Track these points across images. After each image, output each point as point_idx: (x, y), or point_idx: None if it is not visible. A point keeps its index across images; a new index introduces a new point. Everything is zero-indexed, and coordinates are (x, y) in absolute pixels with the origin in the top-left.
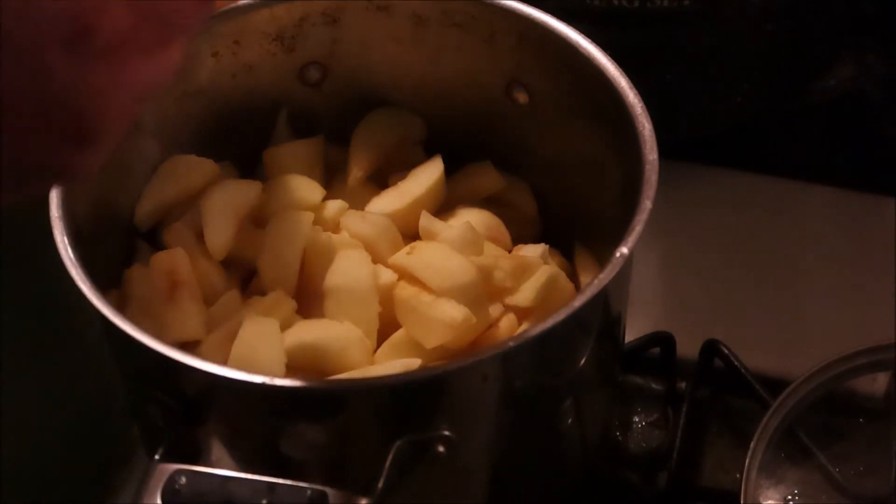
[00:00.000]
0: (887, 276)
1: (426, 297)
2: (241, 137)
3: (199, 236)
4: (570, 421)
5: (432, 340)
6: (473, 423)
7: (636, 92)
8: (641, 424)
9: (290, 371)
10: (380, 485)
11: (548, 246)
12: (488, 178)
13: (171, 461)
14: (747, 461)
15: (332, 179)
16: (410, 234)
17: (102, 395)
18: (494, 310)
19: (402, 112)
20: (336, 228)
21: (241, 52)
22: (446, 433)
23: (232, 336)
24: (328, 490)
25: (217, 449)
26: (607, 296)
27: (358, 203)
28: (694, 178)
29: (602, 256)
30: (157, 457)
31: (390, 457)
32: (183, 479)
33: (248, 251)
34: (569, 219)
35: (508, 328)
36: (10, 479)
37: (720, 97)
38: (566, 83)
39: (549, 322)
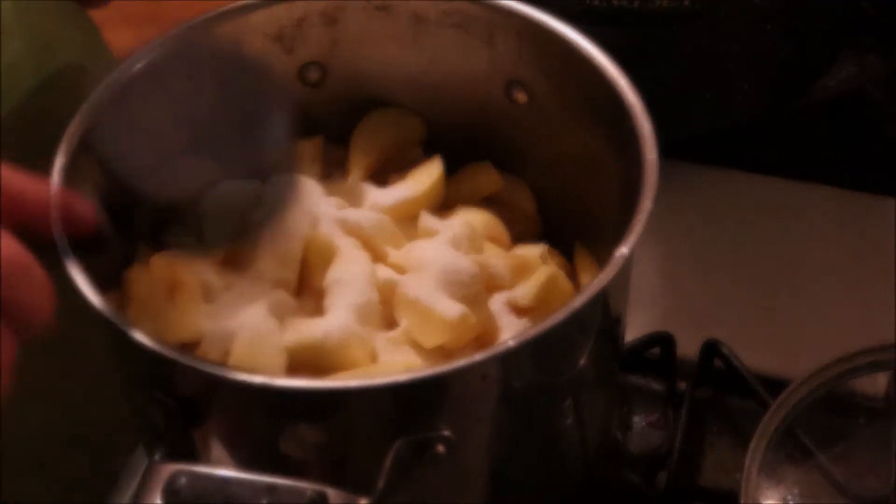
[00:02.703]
0: (887, 276)
1: (426, 297)
2: None
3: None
4: (570, 421)
5: (432, 340)
6: (473, 423)
7: (636, 92)
8: (641, 424)
9: (290, 371)
10: (380, 485)
11: (548, 246)
12: (488, 177)
13: (171, 461)
14: (747, 461)
15: (331, 179)
16: (410, 234)
17: (102, 395)
18: (494, 309)
19: (401, 112)
20: (336, 228)
21: None
22: (446, 433)
23: (232, 336)
24: (328, 490)
25: (217, 449)
26: (607, 296)
27: (357, 203)
28: (694, 178)
29: (602, 256)
30: (157, 457)
31: (390, 457)
32: (183, 479)
33: (248, 251)
34: (569, 219)
35: (508, 328)
36: (10, 478)
37: (720, 97)
38: (566, 83)
39: (549, 322)
